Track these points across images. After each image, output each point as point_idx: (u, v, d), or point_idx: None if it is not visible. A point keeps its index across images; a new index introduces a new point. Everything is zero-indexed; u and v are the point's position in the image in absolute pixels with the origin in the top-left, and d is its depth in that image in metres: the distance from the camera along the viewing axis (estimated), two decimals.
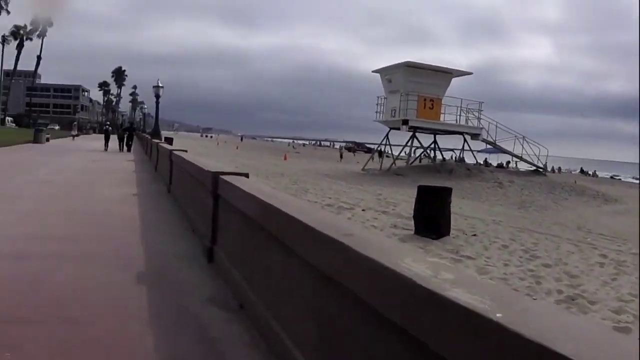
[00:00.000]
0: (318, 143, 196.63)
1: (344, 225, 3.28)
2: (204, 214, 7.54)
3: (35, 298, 5.02)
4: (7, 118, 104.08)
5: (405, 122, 38.14)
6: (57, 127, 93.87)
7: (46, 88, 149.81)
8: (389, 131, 43.40)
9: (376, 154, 52.98)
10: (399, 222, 15.06)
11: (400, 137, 44.18)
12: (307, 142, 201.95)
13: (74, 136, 53.14)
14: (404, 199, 22.56)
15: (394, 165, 42.66)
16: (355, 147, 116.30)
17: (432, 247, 11.87)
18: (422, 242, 12.22)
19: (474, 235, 14.24)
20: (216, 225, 6.74)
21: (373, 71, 43.34)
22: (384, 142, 45.43)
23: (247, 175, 6.76)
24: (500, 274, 9.94)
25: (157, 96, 33.40)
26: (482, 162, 45.76)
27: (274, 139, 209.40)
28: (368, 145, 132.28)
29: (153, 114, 38.02)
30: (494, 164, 57.46)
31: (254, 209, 4.71)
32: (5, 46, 78.91)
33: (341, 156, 75.56)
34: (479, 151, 45.15)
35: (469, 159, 45.69)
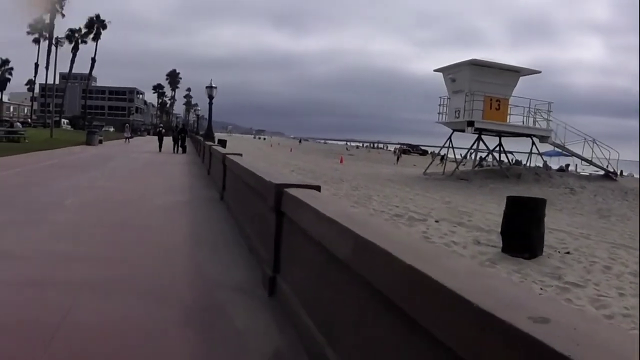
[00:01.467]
0: (371, 145, 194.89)
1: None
2: (264, 233, 6.27)
3: (43, 351, 3.81)
4: (62, 120, 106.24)
5: (470, 123, 36.09)
6: (111, 129, 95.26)
7: (101, 90, 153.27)
8: (452, 133, 41.38)
9: (437, 157, 51.11)
10: (480, 236, 13.50)
11: (463, 139, 42.29)
12: (360, 144, 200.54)
13: (127, 138, 52.69)
14: (476, 208, 20.92)
15: (457, 169, 40.72)
16: (410, 149, 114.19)
17: (527, 270, 10.28)
18: (515, 264, 10.64)
19: (567, 252, 12.58)
20: (279, 249, 5.45)
21: (435, 70, 41.50)
22: (446, 145, 43.41)
23: (318, 188, 5.45)
24: (621, 308, 8.30)
25: (211, 97, 32.56)
26: (541, 166, 43.17)
27: (327, 141, 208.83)
28: (423, 148, 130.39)
29: (206, 116, 37.29)
30: (554, 167, 54.47)
31: (333, 238, 3.44)
32: (58, 48, 79.98)
33: (398, 159, 73.89)
34: (538, 154, 42.56)
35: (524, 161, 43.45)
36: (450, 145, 42.73)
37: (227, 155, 12.39)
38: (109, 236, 8.07)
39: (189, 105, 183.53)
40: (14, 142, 35.82)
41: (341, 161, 58.99)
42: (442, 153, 48.96)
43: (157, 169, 22.41)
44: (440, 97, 40.74)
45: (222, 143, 32.85)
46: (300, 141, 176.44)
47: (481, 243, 12.74)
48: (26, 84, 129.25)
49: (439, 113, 40.65)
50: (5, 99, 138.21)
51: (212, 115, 33.97)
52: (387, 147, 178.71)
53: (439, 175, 39.54)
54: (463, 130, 38.09)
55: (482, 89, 36.16)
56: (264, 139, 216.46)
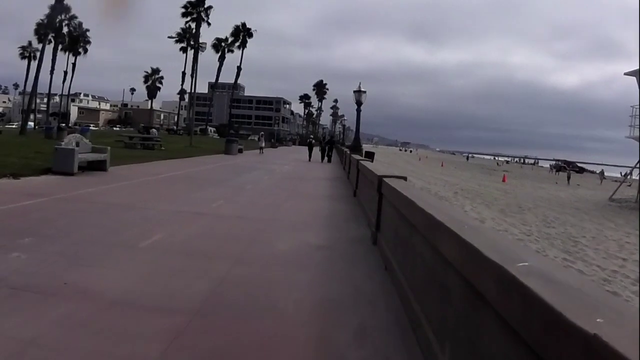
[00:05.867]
0: (522, 160, 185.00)
1: None
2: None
3: None
4: (209, 128, 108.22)
5: None
6: (256, 138, 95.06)
7: (248, 100, 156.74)
8: None
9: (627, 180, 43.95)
10: None
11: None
12: (508, 159, 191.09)
13: (261, 148, 49.69)
14: None
15: None
16: (565, 166, 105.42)
17: None
18: None
19: None
20: None
21: (626, 73, 34.74)
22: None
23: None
24: None
25: (359, 103, 28.66)
26: None
27: (473, 155, 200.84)
28: (579, 165, 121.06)
29: (353, 127, 34.00)
30: None
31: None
32: (203, 55, 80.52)
33: (568, 178, 66.46)
34: None
35: None
36: None
37: (384, 180, 8.27)
38: (190, 314, 4.25)
39: (335, 116, 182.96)
40: (149, 150, 34.25)
41: (504, 180, 53.17)
42: (632, 174, 41.74)
43: (293, 187, 18.79)
44: (631, 107, 34.12)
45: (370, 156, 29.09)
46: (467, 158, 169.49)
47: None
48: (178, 93, 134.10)
49: (630, 126, 34.01)
50: (157, 107, 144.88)
51: (360, 124, 30.05)
52: (537, 163, 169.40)
53: (632, 202, 32.94)
54: None
55: None
56: (411, 151, 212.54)
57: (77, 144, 17.03)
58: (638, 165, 36.86)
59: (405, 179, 8.68)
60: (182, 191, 14.76)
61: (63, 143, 16.99)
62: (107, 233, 8.25)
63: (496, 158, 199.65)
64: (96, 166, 17.76)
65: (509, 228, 16.81)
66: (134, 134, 47.08)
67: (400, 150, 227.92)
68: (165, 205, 11.78)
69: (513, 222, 18.50)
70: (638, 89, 33.71)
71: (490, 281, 2.68)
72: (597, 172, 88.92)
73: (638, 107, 33.87)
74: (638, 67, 33.53)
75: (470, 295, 3.04)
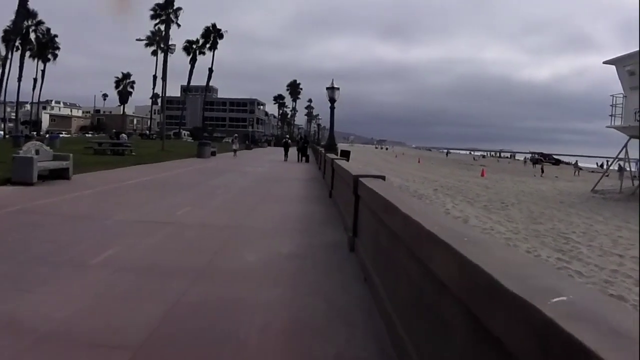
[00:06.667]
0: (498, 154, 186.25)
1: None
2: None
3: None
4: (183, 132, 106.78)
5: None
6: (230, 141, 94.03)
7: (222, 102, 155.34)
8: (629, 140, 33.99)
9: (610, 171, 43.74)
10: None
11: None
12: (484, 154, 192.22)
13: (234, 151, 48.26)
14: None
15: (638, 185, 33.31)
16: (542, 159, 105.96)
17: None
18: None
19: None
20: None
21: (605, 62, 34.33)
22: (620, 155, 35.90)
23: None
24: None
25: (332, 100, 27.89)
26: None
27: (449, 151, 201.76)
28: (555, 157, 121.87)
29: (328, 126, 33.28)
30: None
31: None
32: (172, 58, 79.17)
33: (542, 170, 66.36)
34: None
35: None
36: (626, 156, 35.45)
37: (361, 180, 7.50)
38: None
39: (310, 115, 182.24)
40: (119, 155, 33.18)
41: (483, 174, 52.68)
42: (613, 164, 41.47)
43: (266, 190, 17.96)
44: (611, 96, 33.59)
45: (346, 155, 28.43)
46: (447, 154, 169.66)
47: None
48: (150, 97, 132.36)
49: (610, 115, 33.49)
50: (130, 112, 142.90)
51: (334, 122, 29.26)
52: (513, 157, 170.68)
53: (615, 194, 32.53)
54: None
55: None
56: (387, 149, 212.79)
57: (37, 152, 16.04)
58: (623, 156, 36.43)
59: (383, 178, 7.92)
60: (147, 198, 13.88)
61: (21, 151, 16.00)
62: (57, 249, 7.37)
63: (472, 153, 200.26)
64: (59, 174, 16.77)
65: (494, 226, 16.16)
66: (105, 139, 45.87)
67: (377, 148, 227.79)
68: (126, 214, 10.90)
69: (498, 219, 17.85)
70: (618, 77, 33.41)
71: (512, 323, 1.92)
72: (572, 163, 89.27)
73: (619, 95, 33.40)
74: (617, 56, 33.47)
75: (479, 335, 2.28)
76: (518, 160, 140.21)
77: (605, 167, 42.31)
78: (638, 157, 36.14)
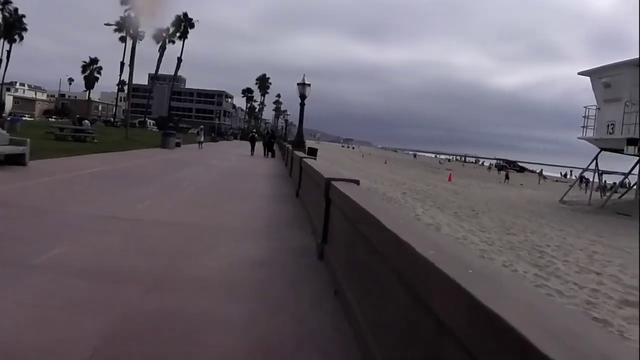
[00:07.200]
0: (463, 159, 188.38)
1: None
2: None
3: None
4: (149, 121, 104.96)
5: (632, 141, 28.18)
6: (196, 132, 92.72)
7: (189, 93, 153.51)
8: (600, 152, 33.97)
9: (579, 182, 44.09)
10: None
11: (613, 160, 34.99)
12: (450, 157, 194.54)
13: (200, 143, 46.51)
14: None
15: (608, 198, 33.39)
16: (506, 165, 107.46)
17: None
18: None
19: None
20: None
21: (580, 73, 34.18)
22: (591, 167, 35.86)
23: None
24: None
25: (303, 96, 27.33)
26: None
27: (416, 153, 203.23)
28: (520, 164, 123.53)
29: (296, 122, 32.79)
30: None
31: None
32: (141, 45, 77.63)
33: (507, 177, 66.69)
34: None
35: None
36: (596, 168, 35.52)
37: (333, 184, 6.94)
38: None
39: (278, 111, 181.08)
40: (81, 142, 32.07)
41: (450, 179, 52.58)
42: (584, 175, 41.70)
43: (231, 186, 17.33)
44: (585, 107, 33.44)
45: (313, 152, 27.88)
46: (415, 155, 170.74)
47: None
48: (117, 84, 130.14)
49: (582, 127, 33.36)
50: (95, 98, 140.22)
51: (303, 119, 28.68)
52: (479, 162, 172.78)
53: (585, 205, 32.51)
54: (619, 150, 30.44)
55: None
56: (353, 148, 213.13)
57: None
58: (594, 168, 36.41)
59: (357, 182, 7.38)
60: (105, 190, 13.12)
61: None
62: None
63: (438, 156, 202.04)
64: (15, 160, 15.88)
65: (467, 235, 15.77)
66: (67, 125, 44.47)
67: (343, 146, 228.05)
68: (81, 207, 10.16)
69: (470, 228, 17.48)
70: (592, 88, 33.30)
71: None
72: (537, 171, 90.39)
73: (593, 107, 33.29)
74: (592, 67, 33.42)
75: None
76: (483, 165, 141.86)
77: (569, 176, 42.64)
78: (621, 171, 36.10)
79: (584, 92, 33.64)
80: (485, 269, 2.48)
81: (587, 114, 33.00)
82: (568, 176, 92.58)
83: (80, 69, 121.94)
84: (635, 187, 33.83)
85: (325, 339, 4.48)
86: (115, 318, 4.56)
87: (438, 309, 2.41)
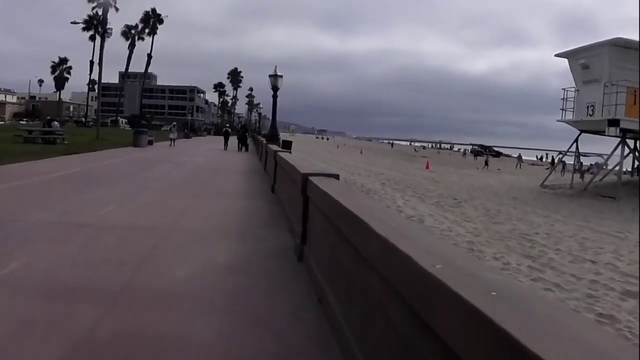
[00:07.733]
0: (438, 145, 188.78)
1: None
2: None
3: None
4: (121, 120, 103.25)
5: (614, 122, 27.66)
6: (169, 129, 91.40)
7: (161, 89, 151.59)
8: (580, 135, 33.73)
9: (559, 166, 44.09)
10: None
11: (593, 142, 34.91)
12: (425, 145, 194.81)
13: (172, 140, 43.87)
14: None
15: (590, 181, 33.20)
16: (482, 151, 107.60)
17: None
18: None
19: None
20: None
21: (557, 55, 33.67)
22: (572, 150, 35.60)
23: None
24: None
25: (275, 88, 26.63)
26: None
27: (391, 142, 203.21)
28: (496, 149, 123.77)
29: (269, 115, 32.23)
30: None
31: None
32: (110, 41, 76.14)
33: (486, 163, 66.04)
34: None
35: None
36: (577, 151, 35.30)
37: (311, 180, 6.38)
38: None
39: (251, 104, 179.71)
40: (50, 144, 31.11)
41: (427, 167, 52.15)
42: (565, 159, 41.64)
43: (204, 183, 16.68)
44: (563, 89, 32.73)
45: (287, 145, 27.29)
46: (392, 145, 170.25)
47: None
48: (88, 84, 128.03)
49: (561, 109, 32.75)
50: (66, 98, 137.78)
51: (276, 111, 28.02)
52: (454, 148, 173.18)
53: (567, 189, 32.26)
54: (600, 132, 30.10)
55: (628, 77, 27.20)
56: (327, 139, 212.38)
57: None
58: (574, 151, 36.20)
59: (337, 177, 6.82)
60: (70, 193, 12.39)
61: None
62: None
63: (412, 144, 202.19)
64: None
65: (452, 227, 15.26)
66: (36, 127, 43.22)
67: (317, 138, 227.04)
68: (43, 214, 9.45)
69: (455, 218, 16.99)
70: (570, 70, 32.87)
71: None
72: (515, 156, 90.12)
73: (571, 89, 32.87)
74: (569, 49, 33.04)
75: None
76: (457, 151, 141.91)
77: (544, 159, 42.52)
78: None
79: (554, 75, 33.30)
80: (511, 289, 1.92)
81: (565, 96, 32.55)
82: (544, 159, 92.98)
83: (50, 70, 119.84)
84: (617, 169, 33.62)
85: (308, 358, 3.92)
86: (69, 344, 3.96)
87: (444, 334, 1.98)
